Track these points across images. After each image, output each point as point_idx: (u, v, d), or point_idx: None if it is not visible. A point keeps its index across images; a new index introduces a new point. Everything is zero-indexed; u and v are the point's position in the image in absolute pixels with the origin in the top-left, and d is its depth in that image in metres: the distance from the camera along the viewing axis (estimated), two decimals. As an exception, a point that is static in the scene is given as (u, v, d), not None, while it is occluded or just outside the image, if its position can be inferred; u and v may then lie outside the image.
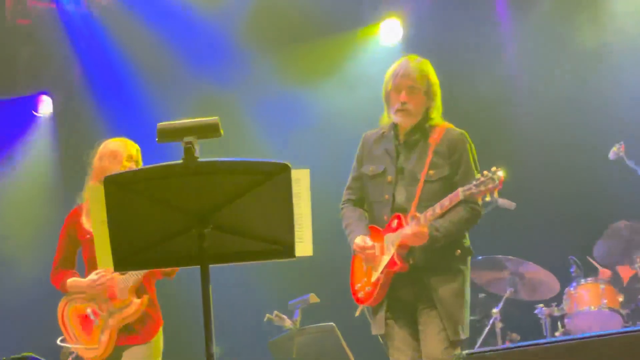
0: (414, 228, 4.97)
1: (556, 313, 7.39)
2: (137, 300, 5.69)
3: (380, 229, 5.23)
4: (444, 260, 5.14)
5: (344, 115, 9.13)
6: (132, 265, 3.45)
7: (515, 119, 9.06)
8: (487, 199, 4.88)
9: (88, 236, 5.79)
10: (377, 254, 5.18)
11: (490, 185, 4.81)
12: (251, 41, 9.34)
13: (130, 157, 5.89)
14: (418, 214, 4.99)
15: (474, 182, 4.86)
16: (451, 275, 5.15)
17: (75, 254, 5.96)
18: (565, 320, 7.38)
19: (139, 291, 5.75)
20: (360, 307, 5.35)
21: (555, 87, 8.75)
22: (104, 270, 5.66)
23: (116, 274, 5.66)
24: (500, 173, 4.81)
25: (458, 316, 5.09)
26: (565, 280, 7.50)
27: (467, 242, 5.27)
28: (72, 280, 5.82)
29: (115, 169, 5.72)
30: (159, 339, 5.87)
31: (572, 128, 8.59)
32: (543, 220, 8.69)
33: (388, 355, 5.31)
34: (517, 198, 7.36)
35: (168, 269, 5.79)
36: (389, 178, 5.24)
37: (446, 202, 4.93)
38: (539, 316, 7.47)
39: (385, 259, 5.12)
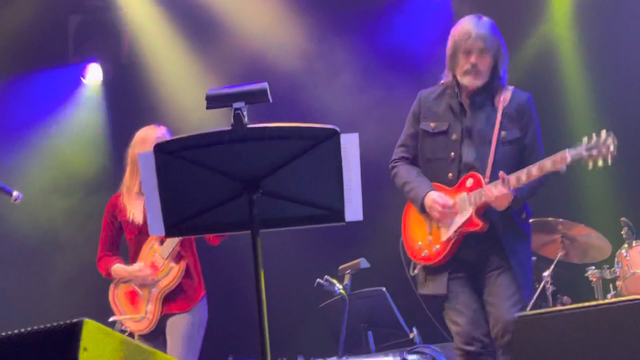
0: (502, 190, 4.91)
1: (608, 276, 7.32)
2: (175, 266, 5.85)
3: (446, 187, 5.20)
4: (514, 223, 5.14)
5: (392, 77, 9.08)
6: (183, 231, 3.48)
7: (567, 79, 8.95)
8: (600, 164, 4.75)
9: (126, 217, 6.04)
10: (455, 212, 5.13)
11: (604, 150, 4.72)
12: (295, 5, 9.31)
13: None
14: (506, 175, 4.91)
15: (584, 145, 4.76)
16: (522, 238, 5.16)
17: (118, 238, 6.18)
18: (618, 283, 7.31)
19: (177, 258, 5.93)
20: (419, 266, 5.32)
21: (611, 49, 8.60)
22: (144, 267, 5.93)
23: (157, 246, 5.85)
24: (614, 139, 4.71)
25: (529, 279, 5.14)
26: (617, 242, 7.42)
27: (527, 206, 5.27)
28: (116, 267, 6.05)
29: None
30: (201, 308, 5.97)
31: (624, 89, 8.46)
32: (594, 182, 8.60)
33: (444, 316, 5.30)
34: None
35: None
36: (454, 136, 5.19)
37: (548, 163, 4.84)
38: (591, 279, 7.41)
39: (461, 218, 5.09)
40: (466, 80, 5.17)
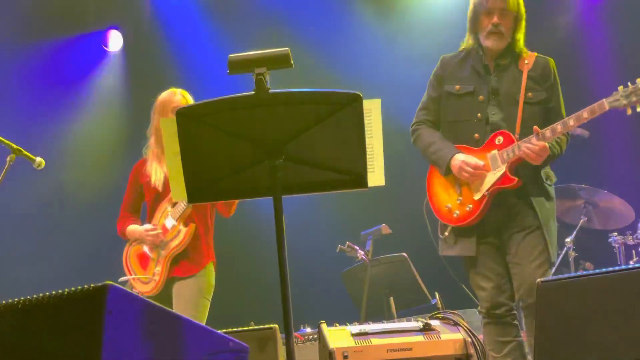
0: (539, 143, 4.95)
1: (631, 242, 7.30)
2: (184, 229, 5.88)
3: (473, 147, 5.24)
4: (542, 183, 5.19)
5: (416, 43, 9.04)
6: (205, 196, 3.49)
7: (591, 48, 8.88)
8: (639, 109, 4.83)
9: (147, 179, 6.04)
10: (485, 173, 5.18)
11: None
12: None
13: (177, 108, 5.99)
14: (540, 130, 4.97)
15: (620, 92, 4.83)
16: (549, 199, 5.20)
17: (140, 202, 6.23)
18: (640, 249, 7.30)
19: (186, 221, 5.94)
20: (450, 228, 5.35)
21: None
22: (154, 227, 5.96)
23: (170, 208, 5.89)
24: None
25: (555, 238, 5.18)
26: (640, 208, 7.41)
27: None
28: (131, 228, 6.10)
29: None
30: (207, 273, 6.00)
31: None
32: (617, 148, 8.56)
33: (470, 281, 5.34)
34: (591, 126, 7.25)
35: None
36: (481, 97, 5.25)
37: (585, 114, 4.89)
38: (613, 245, 7.39)
39: (493, 176, 5.13)
40: (489, 42, 5.23)
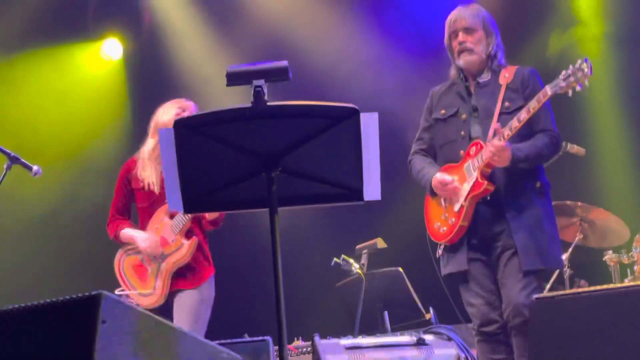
0: (496, 143, 4.96)
1: (626, 260, 7.29)
2: (187, 242, 5.81)
3: (455, 163, 5.28)
4: (524, 192, 5.17)
5: (414, 58, 9.05)
6: (201, 207, 3.49)
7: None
8: (578, 89, 4.89)
9: (141, 184, 5.95)
10: (457, 186, 5.20)
11: (580, 74, 4.86)
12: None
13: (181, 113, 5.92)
14: (501, 128, 5.02)
15: (561, 77, 4.90)
16: (534, 209, 5.16)
17: (130, 204, 6.11)
18: (635, 267, 7.29)
19: (188, 234, 5.87)
20: (442, 246, 5.36)
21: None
22: (153, 236, 5.87)
23: (167, 220, 5.82)
24: (589, 62, 4.85)
25: (536, 246, 5.10)
26: (636, 226, 7.40)
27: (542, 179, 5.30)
28: (126, 232, 5.99)
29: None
30: (209, 286, 5.94)
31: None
32: (613, 166, 8.57)
33: (462, 298, 5.34)
34: (587, 144, 7.27)
35: (213, 217, 5.87)
36: (464, 116, 5.32)
37: (533, 103, 4.96)
38: (608, 263, 7.39)
39: (468, 185, 5.16)
40: (461, 61, 5.35)
